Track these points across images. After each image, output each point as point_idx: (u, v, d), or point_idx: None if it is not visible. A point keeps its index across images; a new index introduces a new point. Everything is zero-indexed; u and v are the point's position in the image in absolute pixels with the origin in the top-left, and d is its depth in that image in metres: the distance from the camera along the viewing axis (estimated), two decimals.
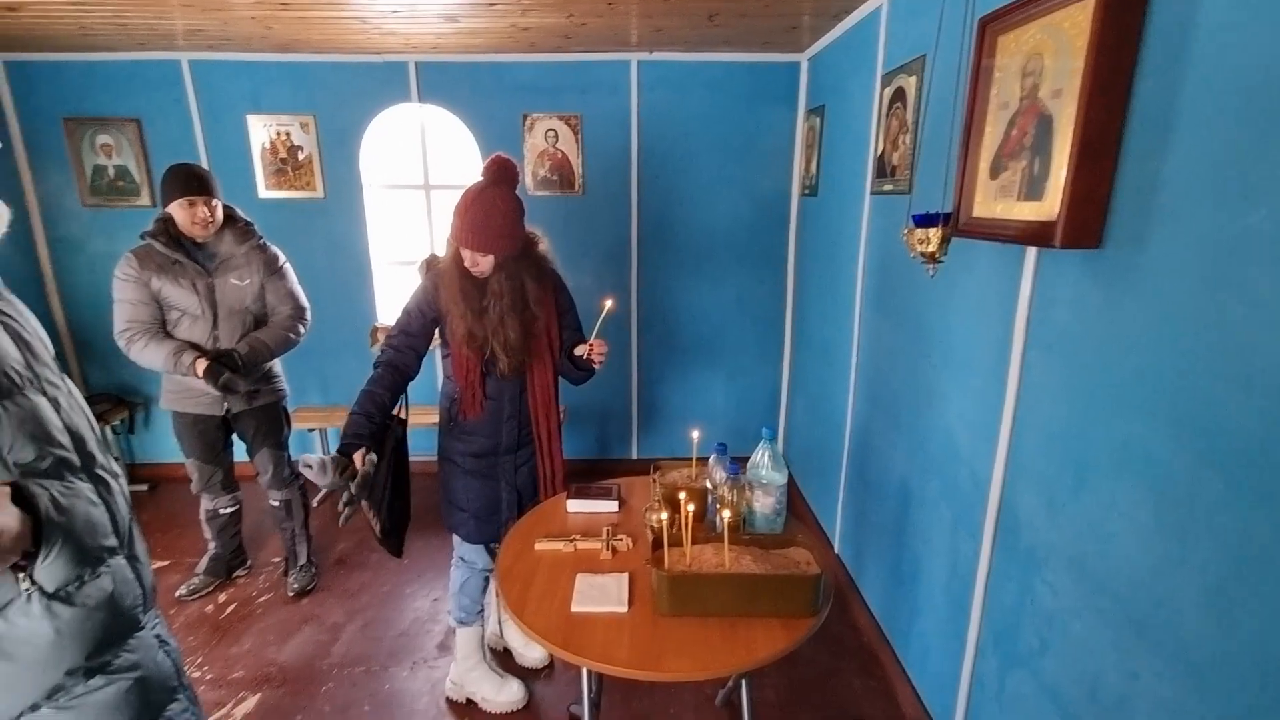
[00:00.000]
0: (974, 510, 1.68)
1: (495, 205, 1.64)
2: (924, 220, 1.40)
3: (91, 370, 3.50)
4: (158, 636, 1.09)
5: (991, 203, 1.34)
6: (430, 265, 1.92)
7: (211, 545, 2.71)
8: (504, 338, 1.73)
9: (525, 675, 2.16)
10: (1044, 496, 1.38)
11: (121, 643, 1.00)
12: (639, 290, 3.46)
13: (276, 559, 2.86)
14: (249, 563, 2.83)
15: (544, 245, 1.81)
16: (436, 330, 1.83)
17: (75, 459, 0.97)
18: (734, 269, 3.45)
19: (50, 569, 0.89)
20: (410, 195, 3.41)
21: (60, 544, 0.90)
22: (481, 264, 1.69)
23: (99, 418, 3.34)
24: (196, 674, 2.23)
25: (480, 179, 1.68)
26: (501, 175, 1.68)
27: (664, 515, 1.40)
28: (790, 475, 3.41)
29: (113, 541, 1.01)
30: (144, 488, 3.59)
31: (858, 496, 2.50)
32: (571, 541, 1.57)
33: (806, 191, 3.14)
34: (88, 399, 3.39)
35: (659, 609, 1.31)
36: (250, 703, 2.10)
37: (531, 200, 3.28)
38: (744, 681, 1.68)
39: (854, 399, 2.54)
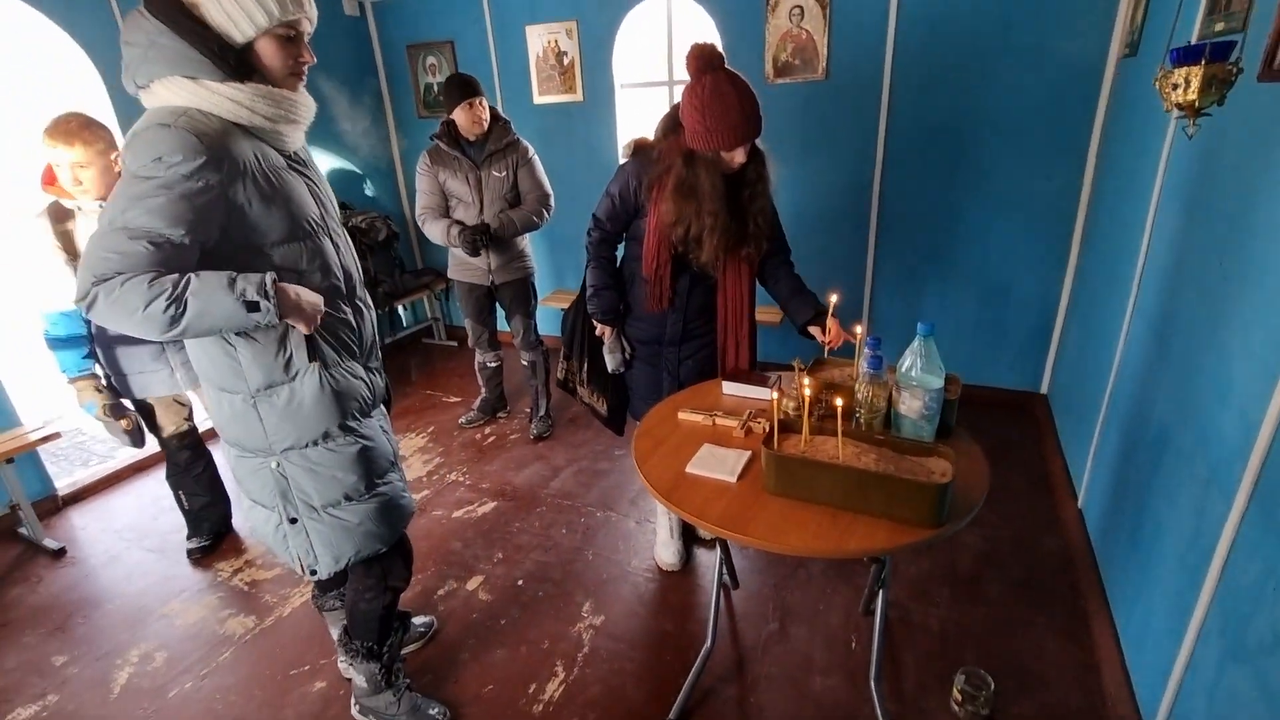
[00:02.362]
0: (1233, 465, 1.29)
1: (739, 87, 1.59)
2: (1185, 56, 1.03)
3: (425, 248, 4.48)
4: (381, 426, 1.47)
5: None
6: (639, 148, 1.98)
7: (482, 390, 3.37)
8: (719, 228, 1.72)
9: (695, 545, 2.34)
10: None
11: (360, 419, 1.37)
12: (881, 187, 3.11)
13: (527, 409, 3.46)
14: (508, 408, 3.46)
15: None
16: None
17: (344, 289, 1.33)
18: (1009, 161, 2.84)
19: (320, 354, 1.27)
20: (655, 94, 3.52)
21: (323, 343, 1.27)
22: (740, 155, 1.64)
23: (426, 287, 4.31)
24: (461, 479, 2.88)
25: (696, 75, 1.61)
26: (717, 59, 1.62)
27: (792, 404, 1.36)
28: (1052, 415, 2.91)
29: (357, 351, 1.38)
30: (454, 344, 4.58)
31: (1111, 444, 2.05)
32: (712, 416, 1.62)
33: (1127, 51, 2.42)
34: (419, 271, 4.38)
35: (766, 486, 1.31)
36: (489, 506, 2.66)
37: (769, 90, 3.13)
38: (880, 592, 1.61)
39: (1129, 324, 2.03)
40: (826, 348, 1.74)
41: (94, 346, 2.10)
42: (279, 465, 1.31)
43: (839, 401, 1.24)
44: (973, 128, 2.87)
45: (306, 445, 1.30)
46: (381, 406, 1.50)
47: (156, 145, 1.02)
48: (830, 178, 3.19)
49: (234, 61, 1.10)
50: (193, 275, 1.08)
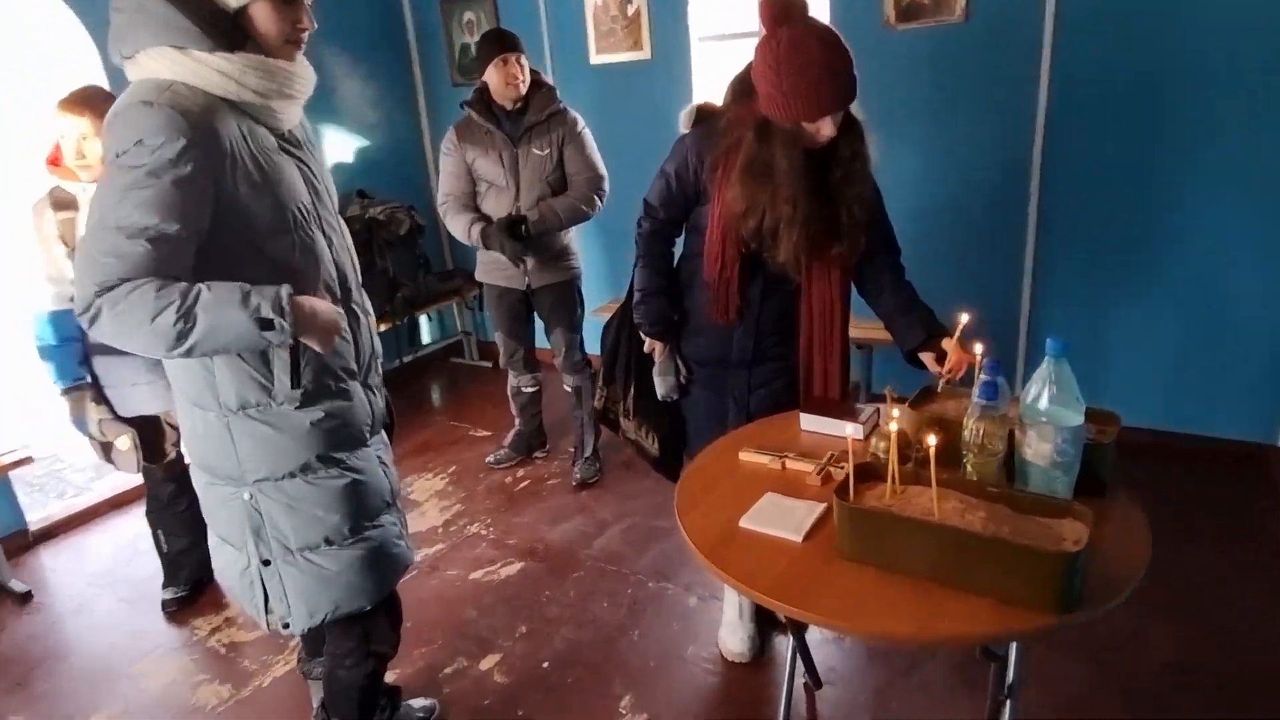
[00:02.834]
0: None
1: (826, 40, 1.61)
2: None
3: (455, 245, 4.73)
4: (379, 457, 1.58)
5: None
6: (702, 116, 2.02)
7: (516, 421, 3.52)
8: (801, 219, 1.74)
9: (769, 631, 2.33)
10: None
11: (352, 450, 1.49)
12: (1043, 165, 3.04)
13: (570, 448, 3.55)
14: (547, 446, 3.59)
15: None
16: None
17: (337, 291, 1.46)
18: (1230, 126, 2.69)
19: (305, 376, 1.40)
20: (742, 48, 3.61)
21: (313, 356, 1.40)
22: (827, 127, 1.66)
23: (456, 293, 4.55)
24: (483, 531, 3.01)
25: (770, 26, 1.64)
26: (798, 6, 1.66)
27: (884, 445, 1.36)
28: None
29: (353, 367, 1.50)
30: (487, 365, 4.79)
31: None
32: (782, 457, 1.64)
33: None
34: (448, 274, 4.63)
35: (838, 549, 1.32)
36: (515, 567, 2.77)
37: (889, 39, 3.14)
38: (1007, 706, 1.57)
39: None
40: (943, 379, 1.72)
41: (88, 352, 2.33)
42: (252, 497, 1.43)
43: (932, 440, 1.23)
44: (1176, 79, 2.74)
45: (283, 476, 1.42)
46: (382, 433, 1.62)
47: (138, 126, 1.17)
48: (970, 154, 3.14)
49: (226, 29, 1.24)
50: (203, 287, 1.21)
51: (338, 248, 1.48)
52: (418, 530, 3.05)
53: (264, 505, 1.44)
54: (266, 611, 1.51)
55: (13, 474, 2.92)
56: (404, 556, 1.62)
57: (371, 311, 1.61)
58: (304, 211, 1.37)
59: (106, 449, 2.39)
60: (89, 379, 2.32)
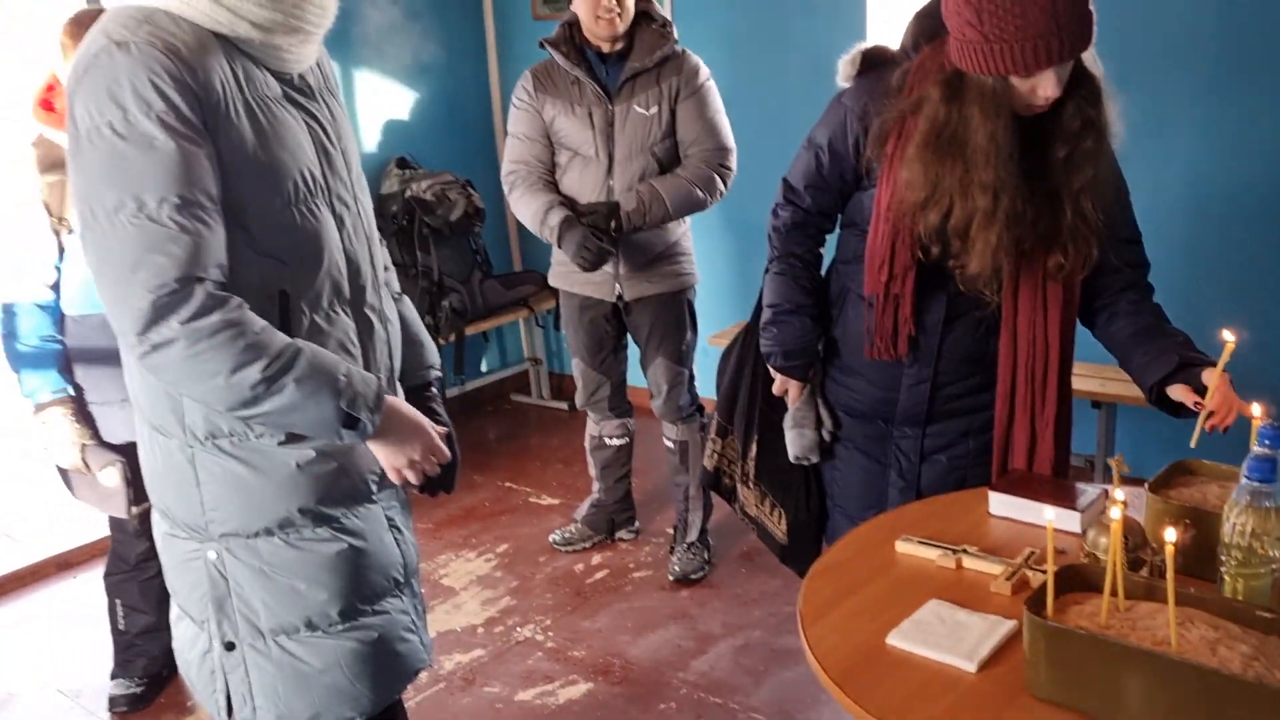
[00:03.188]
0: None
1: None
2: None
3: (527, 237, 4.91)
4: (390, 519, 1.69)
5: None
6: (869, 63, 2.03)
7: (595, 487, 3.62)
8: (1004, 215, 1.76)
9: None
10: None
11: (350, 506, 1.60)
12: None
13: (669, 528, 3.62)
14: (635, 523, 3.67)
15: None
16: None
17: (345, 288, 1.58)
18: None
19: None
20: None
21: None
22: (1047, 85, 1.68)
23: (522, 303, 4.73)
24: (539, 636, 3.10)
25: None
26: None
27: (1106, 541, 1.36)
28: None
29: None
30: (561, 406, 4.93)
31: None
32: (957, 552, 1.65)
33: None
34: (514, 277, 4.81)
35: (1028, 685, 1.32)
36: (578, 689, 2.85)
37: None
38: None
39: None
40: (1200, 427, 1.70)
41: (68, 358, 2.53)
42: (218, 558, 1.54)
43: (1170, 536, 1.23)
44: None
45: (257, 533, 1.52)
46: (397, 488, 1.73)
47: (116, 79, 1.30)
48: (1270, 132, 3.07)
49: None
50: (301, 349, 1.36)
51: (350, 230, 1.59)
52: (449, 628, 3.17)
53: (231, 569, 1.54)
54: (229, 711, 1.62)
55: None
56: (413, 656, 1.70)
57: (394, 318, 1.72)
58: (308, 181, 1.49)
59: (81, 483, 2.58)
60: (71, 391, 2.53)
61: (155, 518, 1.65)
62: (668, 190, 3.02)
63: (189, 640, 1.65)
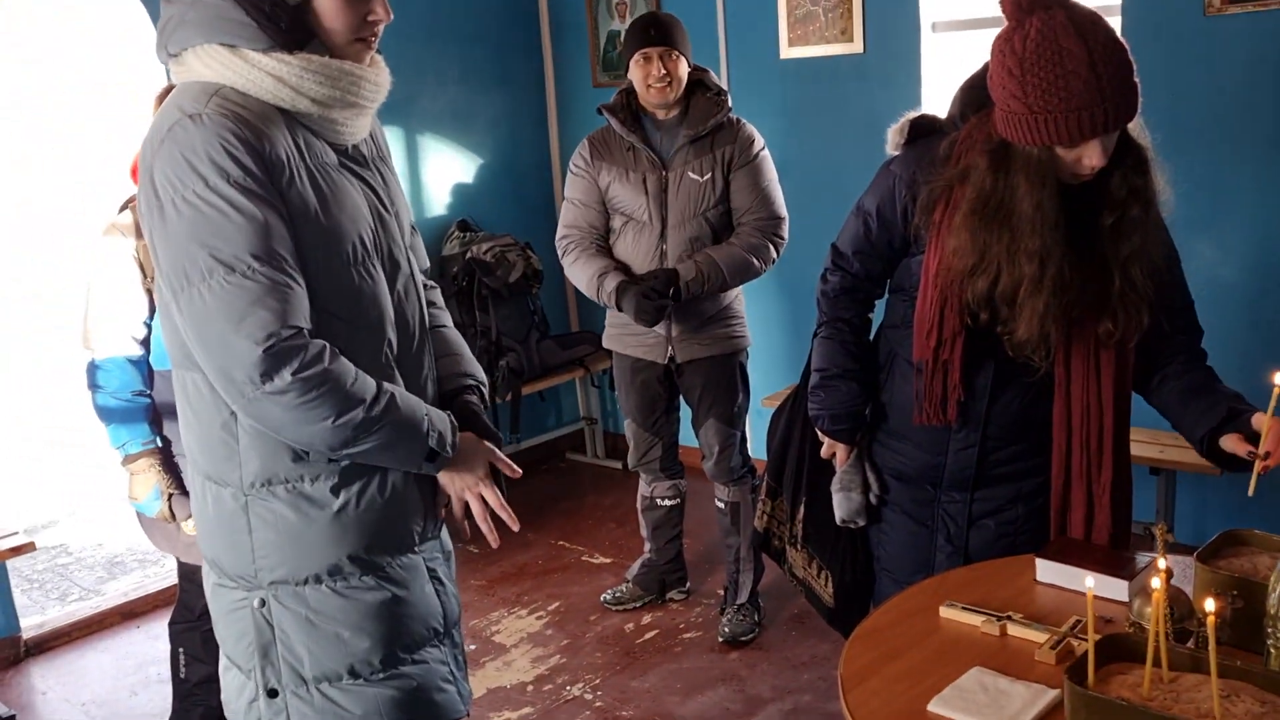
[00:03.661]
0: None
1: (1093, 35, 1.65)
2: None
3: (582, 302, 4.98)
4: (432, 570, 1.73)
5: None
6: (918, 132, 2.05)
7: (647, 547, 3.63)
8: (1052, 283, 1.77)
9: None
10: None
11: (396, 555, 1.65)
12: None
13: (720, 590, 3.62)
14: (687, 584, 3.68)
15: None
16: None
17: (395, 344, 1.63)
18: None
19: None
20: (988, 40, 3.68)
21: None
22: (1093, 155, 1.70)
23: (577, 365, 4.79)
24: (588, 695, 3.11)
25: (1015, 15, 1.70)
26: None
27: (1149, 611, 1.36)
28: None
29: None
30: (616, 465, 4.95)
31: None
32: (1002, 620, 1.64)
33: None
34: (571, 338, 4.88)
35: None
36: None
37: (1209, 28, 3.12)
38: None
39: None
40: (1256, 474, 1.67)
41: (157, 410, 2.63)
42: (264, 605, 1.59)
43: (1210, 606, 1.23)
44: None
45: (306, 580, 1.57)
46: (442, 538, 1.77)
47: (194, 147, 1.39)
48: None
49: (286, 24, 1.44)
50: (393, 392, 1.49)
51: (401, 291, 1.66)
52: (499, 685, 3.19)
53: (278, 616, 1.59)
54: None
55: (10, 565, 3.31)
56: (450, 706, 1.72)
57: (434, 367, 1.76)
58: (365, 244, 1.57)
59: (161, 532, 2.67)
60: (159, 443, 2.64)
61: (205, 569, 1.70)
62: (724, 260, 3.06)
63: (236, 689, 1.69)
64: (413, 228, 1.79)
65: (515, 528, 1.70)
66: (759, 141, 3.13)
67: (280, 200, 1.44)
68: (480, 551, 3.92)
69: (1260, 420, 1.71)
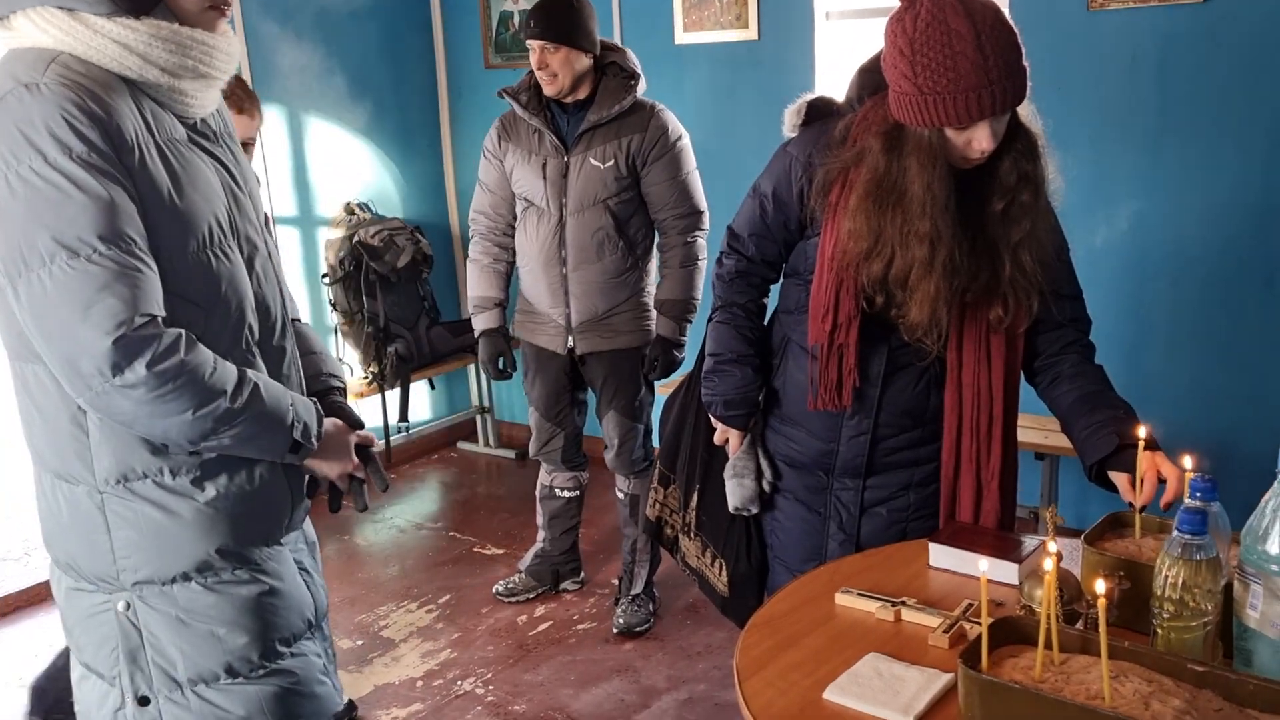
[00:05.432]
0: None
1: (981, 17, 1.65)
2: None
3: None
4: (299, 563, 1.67)
5: None
6: (814, 115, 2.06)
7: (540, 536, 3.59)
8: (943, 265, 1.78)
9: None
10: None
11: (263, 545, 1.57)
12: None
13: (614, 579, 3.60)
14: (581, 575, 3.65)
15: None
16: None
17: (257, 329, 1.55)
18: None
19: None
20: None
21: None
22: (982, 138, 1.71)
23: (468, 352, 4.68)
24: (479, 690, 3.06)
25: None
26: None
27: (1041, 593, 1.37)
28: None
29: None
30: (509, 455, 4.90)
31: None
32: (896, 605, 1.65)
33: None
34: (459, 325, 4.77)
35: None
36: None
37: (1089, 21, 3.21)
38: None
39: None
40: (1137, 518, 1.71)
41: None
42: (129, 608, 1.50)
43: (1100, 589, 1.24)
44: None
45: (174, 579, 1.50)
46: (305, 528, 1.72)
47: (31, 120, 1.28)
48: (1214, 189, 3.16)
49: None
50: (257, 383, 1.43)
51: (260, 272, 1.59)
52: (387, 682, 3.12)
53: (145, 619, 1.51)
54: None
55: None
56: (329, 700, 1.67)
57: (298, 353, 1.70)
58: (221, 224, 1.50)
59: None
60: None
61: (55, 574, 1.60)
62: (677, 292, 3.10)
63: (97, 700, 1.59)
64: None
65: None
66: (675, 130, 3.06)
67: (128, 177, 1.35)
68: (367, 543, 3.87)
69: (1151, 464, 1.72)
